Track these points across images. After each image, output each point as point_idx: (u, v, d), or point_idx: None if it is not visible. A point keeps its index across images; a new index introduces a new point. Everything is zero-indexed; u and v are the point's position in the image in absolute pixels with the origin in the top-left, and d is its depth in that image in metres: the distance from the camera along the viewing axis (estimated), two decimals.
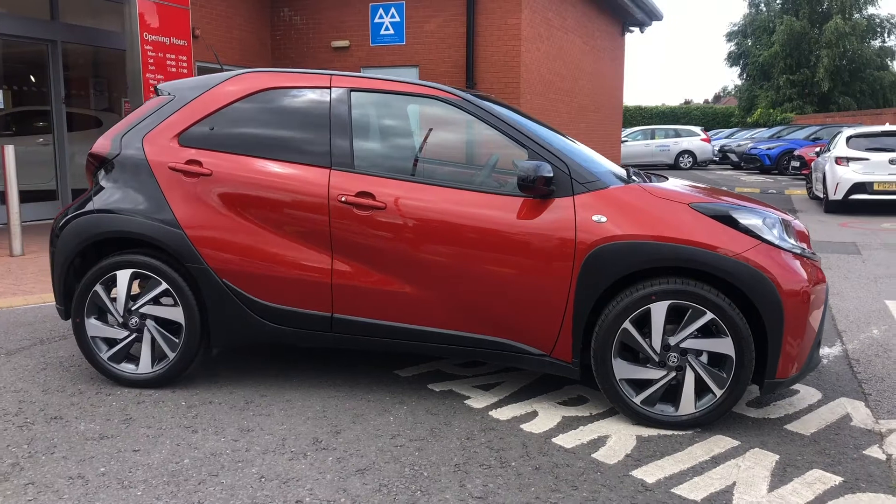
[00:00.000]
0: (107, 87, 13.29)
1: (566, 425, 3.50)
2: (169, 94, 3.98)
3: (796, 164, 20.86)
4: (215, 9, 11.95)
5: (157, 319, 3.84)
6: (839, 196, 12.47)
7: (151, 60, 9.28)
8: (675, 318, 3.40)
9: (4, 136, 10.33)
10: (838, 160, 12.60)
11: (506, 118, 3.69)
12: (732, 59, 41.61)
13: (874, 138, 12.91)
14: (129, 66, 9.23)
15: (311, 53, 13.01)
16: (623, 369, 3.46)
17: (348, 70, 12.45)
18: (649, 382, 3.45)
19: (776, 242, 3.40)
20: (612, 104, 18.63)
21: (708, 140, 26.96)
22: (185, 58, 9.83)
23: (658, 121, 40.15)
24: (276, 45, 13.28)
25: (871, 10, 36.51)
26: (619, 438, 3.35)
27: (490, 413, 3.63)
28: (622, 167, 4.12)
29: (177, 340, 3.82)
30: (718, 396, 3.39)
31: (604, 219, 3.42)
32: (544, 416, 3.59)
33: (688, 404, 3.42)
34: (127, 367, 3.90)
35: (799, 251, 3.47)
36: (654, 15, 18.87)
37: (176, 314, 3.80)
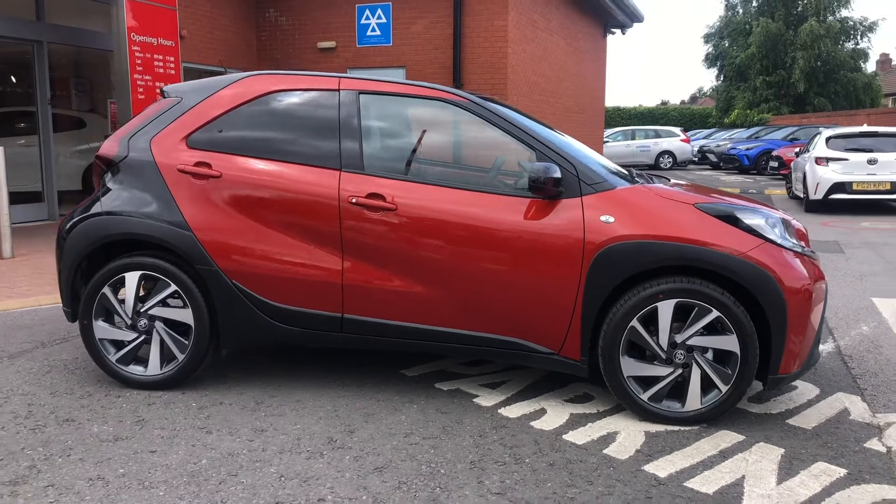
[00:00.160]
0: (91, 88, 13.18)
1: (575, 422, 3.56)
2: (176, 96, 3.99)
3: (775, 164, 21.17)
4: (200, 9, 11.90)
5: (166, 321, 3.85)
6: (819, 196, 12.70)
7: (139, 61, 9.23)
8: (681, 316, 3.48)
9: None
10: (818, 160, 12.83)
11: (513, 120, 3.75)
12: (710, 60, 42.08)
13: (853, 139, 13.16)
14: (117, 66, 9.16)
15: (297, 54, 12.99)
16: (630, 367, 3.53)
17: (335, 71, 12.45)
18: (656, 379, 3.52)
19: (778, 241, 3.49)
20: (594, 105, 18.79)
21: (687, 141, 27.31)
22: (172, 58, 9.78)
23: (636, 121, 40.52)
24: (261, 46, 13.25)
25: (844, 12, 37.13)
26: (628, 434, 3.43)
27: (499, 411, 3.68)
28: (624, 168, 4.19)
29: (186, 342, 3.84)
30: (724, 392, 3.48)
31: (612, 219, 3.49)
32: (553, 414, 3.66)
33: (694, 400, 3.50)
34: (135, 370, 3.90)
35: (799, 250, 3.57)
36: (635, 17, 19.06)
37: (185, 316, 3.81)
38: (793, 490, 2.91)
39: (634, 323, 3.47)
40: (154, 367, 3.87)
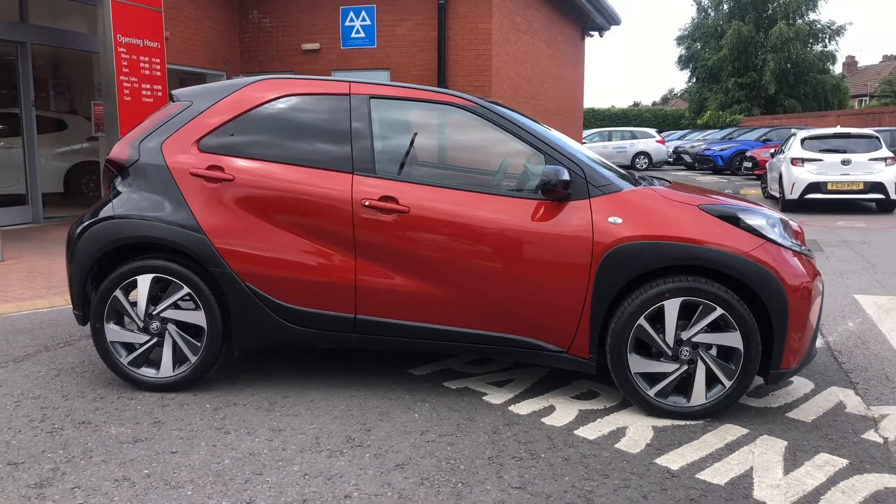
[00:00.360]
0: (74, 89, 13.05)
1: (584, 418, 3.66)
2: (186, 100, 4.02)
3: (748, 164, 21.58)
4: (183, 10, 11.85)
5: (178, 323, 3.88)
6: (795, 195, 12.99)
7: (125, 62, 9.18)
8: (685, 314, 3.59)
9: None
10: (794, 161, 13.12)
11: (521, 123, 3.85)
12: (683, 62, 42.69)
13: (827, 140, 13.50)
14: (103, 68, 9.10)
15: (281, 56, 12.99)
16: (638, 364, 3.64)
17: (319, 73, 12.47)
18: (663, 375, 3.64)
19: (779, 241, 3.62)
20: (573, 107, 19.00)
21: (662, 142, 27.70)
22: (158, 60, 9.74)
23: (610, 123, 40.95)
24: (244, 48, 13.22)
25: (812, 15, 37.91)
26: (636, 429, 3.53)
27: (510, 408, 3.77)
28: (627, 171, 4.31)
29: (198, 344, 3.87)
30: (728, 387, 3.60)
31: (619, 220, 3.59)
32: (562, 410, 3.75)
33: (699, 395, 3.62)
34: (147, 372, 3.93)
35: (798, 248, 3.71)
36: (612, 20, 19.30)
37: (198, 318, 3.84)
38: (800, 480, 3.04)
39: (642, 321, 3.58)
40: (166, 370, 3.90)
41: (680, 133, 35.07)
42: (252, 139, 3.90)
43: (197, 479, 2.98)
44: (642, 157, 26.68)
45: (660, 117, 44.32)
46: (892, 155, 13.01)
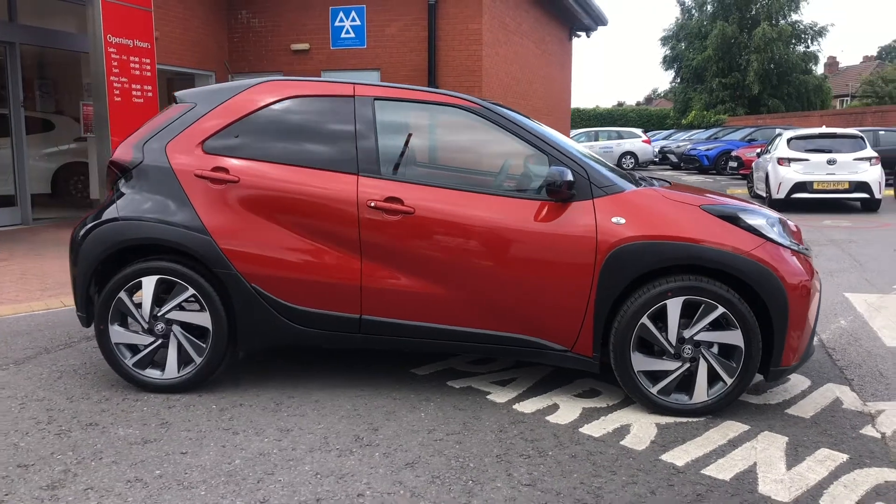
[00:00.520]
0: (60, 89, 12.95)
1: (588, 416, 3.71)
2: (190, 102, 4.02)
3: (734, 164, 21.77)
4: (172, 10, 11.80)
5: (183, 325, 3.89)
6: (782, 195, 13.14)
7: (115, 63, 9.13)
8: (687, 313, 3.65)
9: None
10: (780, 161, 13.28)
11: (524, 125, 3.89)
12: (668, 62, 42.97)
13: (813, 140, 13.66)
14: (93, 68, 9.06)
15: (270, 56, 12.96)
16: (641, 362, 3.69)
17: (308, 73, 12.46)
18: (665, 373, 3.69)
19: (778, 240, 3.69)
20: (561, 107, 19.09)
21: (648, 142, 27.89)
22: (148, 60, 9.70)
23: (595, 122, 41.16)
24: (233, 48, 13.18)
25: (794, 16, 38.32)
26: (640, 427, 3.58)
27: (514, 407, 3.81)
28: (627, 171, 4.36)
29: (203, 345, 3.88)
30: (729, 385, 3.66)
31: (622, 220, 3.64)
32: (566, 409, 3.80)
33: (701, 393, 3.68)
34: (152, 373, 3.93)
35: (796, 248, 3.78)
36: (600, 20, 19.41)
37: (203, 319, 3.85)
38: (803, 475, 3.10)
39: (644, 320, 3.63)
40: (171, 371, 3.91)
41: (665, 133, 35.31)
42: (256, 141, 3.91)
43: (209, 479, 3.00)
44: (629, 157, 26.84)
45: (644, 117, 44.60)
46: (876, 155, 13.20)
